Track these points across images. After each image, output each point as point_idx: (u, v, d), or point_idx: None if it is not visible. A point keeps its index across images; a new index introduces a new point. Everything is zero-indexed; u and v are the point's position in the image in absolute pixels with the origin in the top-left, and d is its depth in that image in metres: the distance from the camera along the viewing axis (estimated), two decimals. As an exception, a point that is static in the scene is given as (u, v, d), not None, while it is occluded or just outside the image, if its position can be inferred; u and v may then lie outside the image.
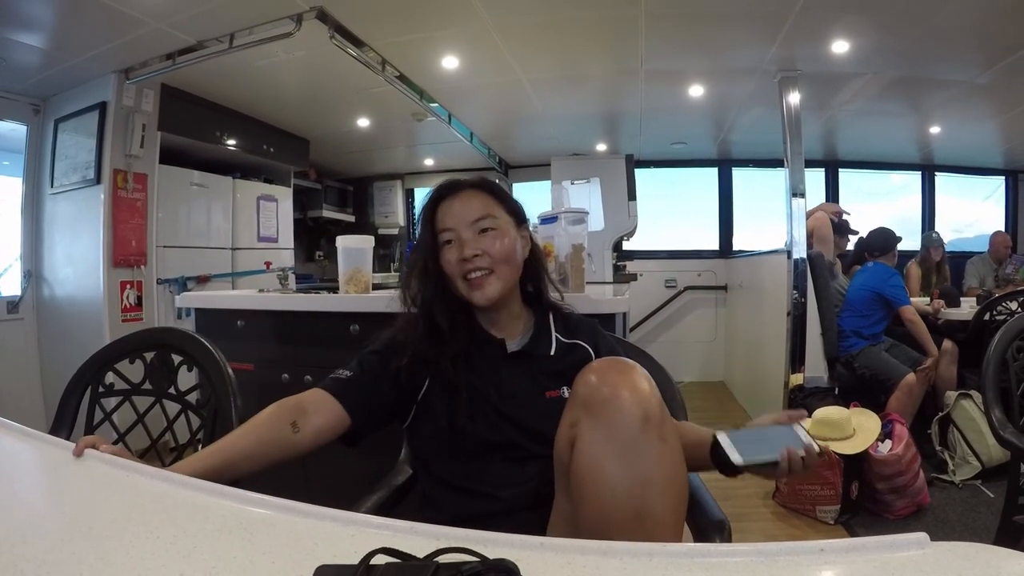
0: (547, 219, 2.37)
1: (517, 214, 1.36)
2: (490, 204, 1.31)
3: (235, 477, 1.02)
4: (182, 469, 0.96)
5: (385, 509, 1.15)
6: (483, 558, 0.56)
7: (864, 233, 4.31)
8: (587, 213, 2.44)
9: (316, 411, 1.19)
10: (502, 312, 1.33)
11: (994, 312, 3.85)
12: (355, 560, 0.55)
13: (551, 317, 1.38)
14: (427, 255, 1.30)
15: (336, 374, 1.27)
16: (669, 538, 0.91)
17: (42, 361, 4.22)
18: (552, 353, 1.33)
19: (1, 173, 4.37)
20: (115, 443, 1.36)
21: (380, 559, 0.55)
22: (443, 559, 0.56)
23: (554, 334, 1.35)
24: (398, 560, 0.56)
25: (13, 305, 4.12)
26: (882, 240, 4.02)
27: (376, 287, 2.55)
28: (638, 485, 0.93)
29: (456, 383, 1.24)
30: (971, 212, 7.02)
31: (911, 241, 6.26)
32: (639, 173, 5.67)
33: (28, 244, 4.20)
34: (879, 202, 7.05)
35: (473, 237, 1.27)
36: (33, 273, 4.18)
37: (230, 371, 1.32)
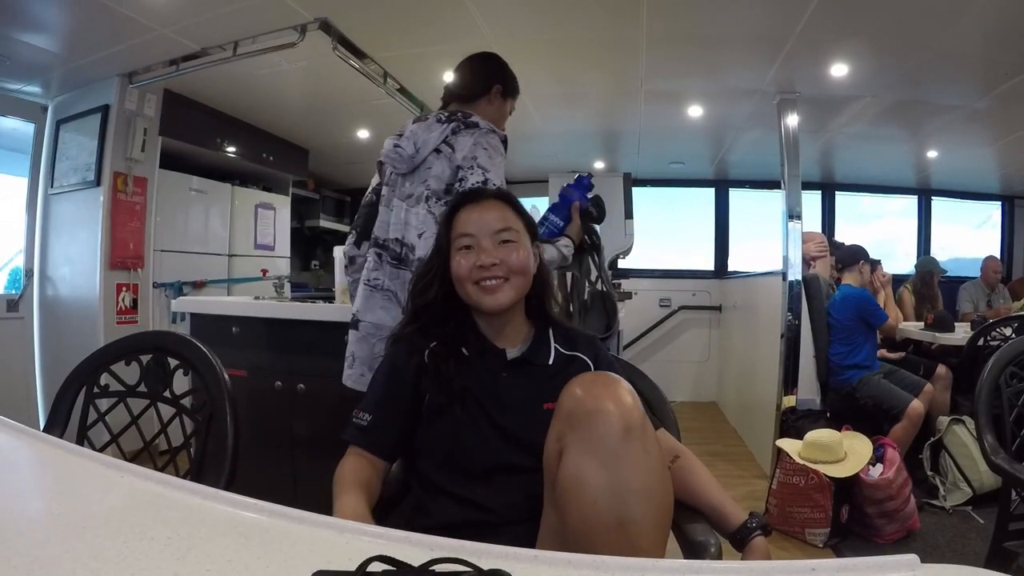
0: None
1: (531, 229, 1.39)
2: (511, 216, 1.35)
3: None
4: (349, 513, 1.09)
5: (377, 518, 1.14)
6: (478, 569, 0.57)
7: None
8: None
9: (377, 479, 1.25)
10: (506, 322, 1.34)
11: (988, 338, 3.83)
12: (351, 567, 0.55)
13: (551, 329, 1.39)
14: (441, 259, 1.34)
15: (357, 419, 1.28)
16: (651, 545, 0.93)
17: (40, 360, 4.19)
18: (551, 362, 1.34)
19: (10, 172, 4.39)
20: (107, 444, 1.36)
21: (376, 567, 0.55)
22: (438, 568, 0.56)
23: (553, 344, 1.36)
24: (394, 568, 0.56)
25: (13, 303, 4.11)
26: (849, 254, 4.02)
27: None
28: (619, 493, 0.95)
29: (456, 388, 1.25)
30: (964, 237, 7.06)
31: (899, 263, 6.32)
32: (636, 192, 5.69)
33: (29, 243, 4.19)
34: (872, 223, 7.12)
35: (493, 247, 1.30)
36: (33, 272, 4.17)
37: (226, 377, 1.32)
